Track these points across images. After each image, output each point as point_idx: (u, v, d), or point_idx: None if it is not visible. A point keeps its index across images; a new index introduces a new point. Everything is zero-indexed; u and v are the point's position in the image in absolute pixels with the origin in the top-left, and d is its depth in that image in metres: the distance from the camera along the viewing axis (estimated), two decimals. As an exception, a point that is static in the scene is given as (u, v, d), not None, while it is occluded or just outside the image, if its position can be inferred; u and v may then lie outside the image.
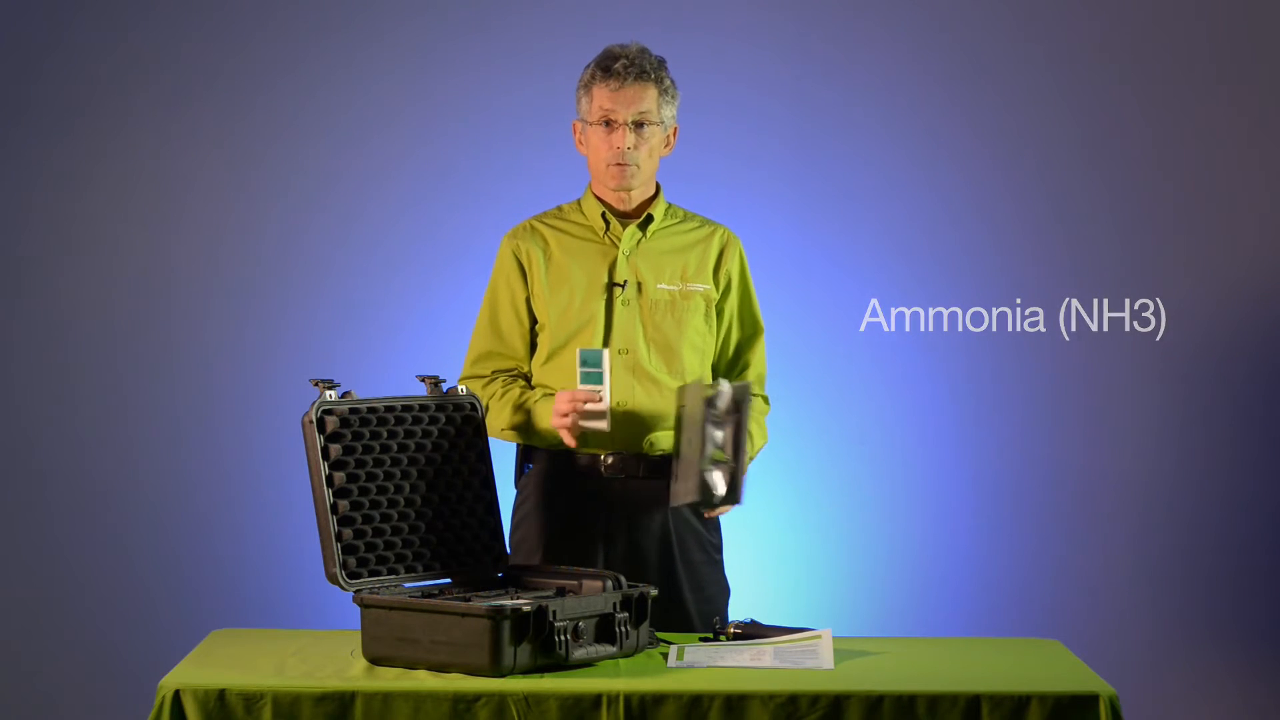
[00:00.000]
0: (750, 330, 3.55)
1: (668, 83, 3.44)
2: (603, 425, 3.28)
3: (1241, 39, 4.59)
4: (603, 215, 3.48)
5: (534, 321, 3.49)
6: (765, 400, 3.56)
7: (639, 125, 3.40)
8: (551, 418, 3.32)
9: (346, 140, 4.62)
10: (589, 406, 3.28)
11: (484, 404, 3.43)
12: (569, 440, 3.30)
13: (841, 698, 2.80)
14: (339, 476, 3.07)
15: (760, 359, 3.56)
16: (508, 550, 3.27)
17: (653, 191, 3.51)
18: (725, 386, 3.20)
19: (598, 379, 3.27)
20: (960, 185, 4.62)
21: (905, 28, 4.61)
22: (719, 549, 3.51)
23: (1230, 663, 4.62)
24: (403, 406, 3.18)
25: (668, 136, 3.47)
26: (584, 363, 3.29)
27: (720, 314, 3.51)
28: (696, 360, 3.47)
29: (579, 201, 3.53)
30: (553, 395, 3.39)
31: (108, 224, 4.62)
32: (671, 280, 3.47)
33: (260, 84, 4.61)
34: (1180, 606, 4.62)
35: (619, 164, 3.41)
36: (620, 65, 3.40)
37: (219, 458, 4.61)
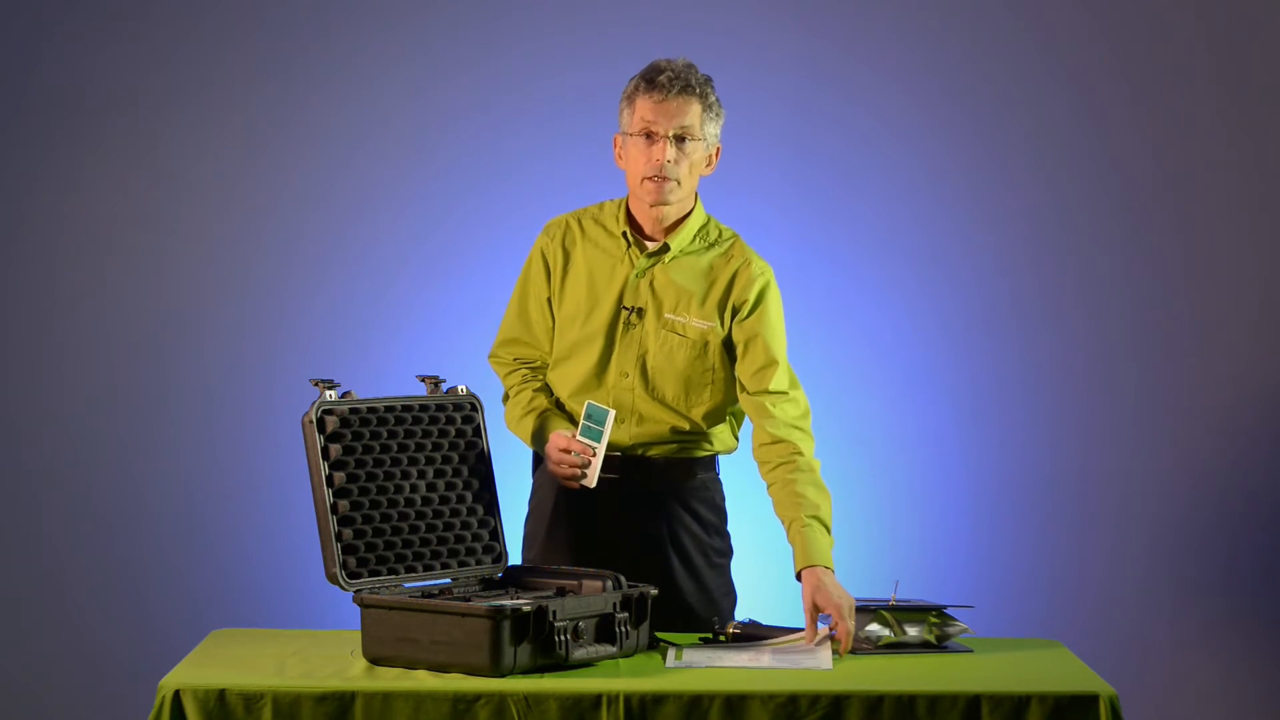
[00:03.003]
0: (765, 361, 3.40)
1: (712, 99, 3.36)
2: (589, 484, 3.29)
3: (1243, 40, 4.59)
4: (625, 235, 3.41)
5: None
6: (809, 444, 3.39)
7: (680, 139, 3.32)
8: (547, 458, 3.35)
9: (346, 140, 4.62)
10: (580, 458, 3.28)
11: (505, 389, 3.48)
12: (564, 483, 3.34)
13: (841, 698, 2.80)
14: (339, 476, 3.07)
15: (782, 386, 3.40)
16: (508, 550, 3.27)
17: (689, 209, 3.42)
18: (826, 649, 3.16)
19: (597, 436, 3.26)
20: (961, 185, 4.62)
21: (905, 30, 4.61)
22: (723, 553, 3.50)
23: (1230, 662, 4.62)
24: (403, 406, 3.18)
25: (710, 155, 3.39)
26: (588, 417, 3.27)
27: (731, 344, 3.42)
28: (696, 392, 3.41)
29: (618, 205, 3.45)
30: (558, 418, 3.40)
31: (106, 224, 4.62)
32: (680, 311, 3.40)
33: (259, 84, 4.61)
34: (1180, 606, 4.62)
35: (657, 178, 3.33)
36: (665, 78, 3.31)
37: (219, 458, 4.61)
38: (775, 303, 3.44)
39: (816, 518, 3.26)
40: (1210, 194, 4.60)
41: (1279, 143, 4.59)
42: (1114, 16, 4.60)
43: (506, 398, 3.50)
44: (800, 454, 3.33)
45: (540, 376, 3.49)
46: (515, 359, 3.50)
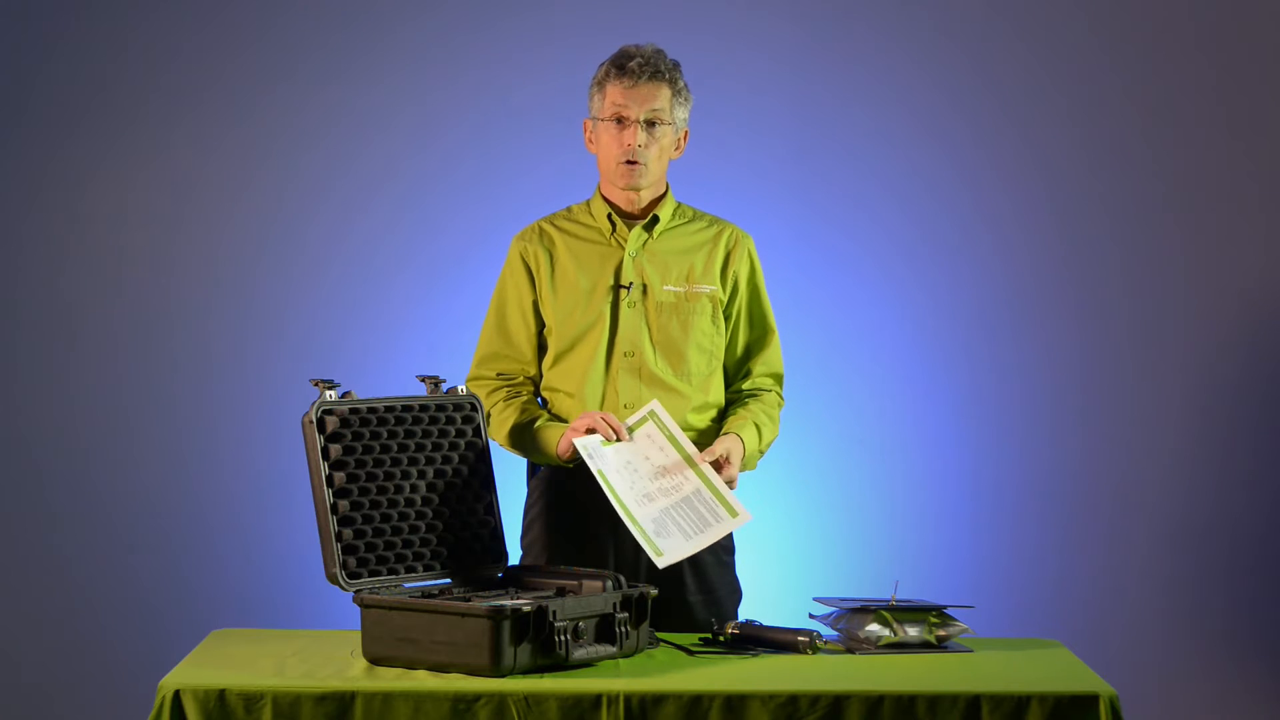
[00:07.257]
0: (760, 331, 3.53)
1: (681, 84, 3.43)
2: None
3: (1243, 41, 4.60)
4: (609, 216, 3.47)
5: (542, 325, 3.49)
6: (779, 398, 3.55)
7: (651, 124, 3.39)
8: (565, 434, 3.34)
9: (347, 140, 4.62)
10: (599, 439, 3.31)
11: (486, 411, 3.44)
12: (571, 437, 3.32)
13: (841, 698, 2.80)
14: (339, 476, 3.07)
15: (772, 358, 3.53)
16: (508, 550, 3.27)
17: (662, 192, 3.49)
18: None
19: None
20: (961, 186, 4.62)
21: (905, 31, 4.61)
22: (729, 550, 3.51)
23: (1231, 662, 4.62)
24: (403, 406, 3.18)
25: (679, 139, 3.46)
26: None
27: (728, 314, 3.50)
28: (703, 362, 3.46)
29: (588, 202, 3.51)
30: (556, 423, 3.40)
31: (109, 225, 4.62)
32: (678, 282, 3.45)
33: (261, 85, 4.61)
34: (1180, 606, 4.62)
35: (629, 161, 3.40)
36: (635, 64, 3.39)
37: (219, 458, 4.61)
38: (759, 274, 3.56)
39: (756, 425, 3.41)
40: (1210, 193, 4.60)
41: (1278, 142, 4.60)
42: (1113, 16, 4.60)
43: (489, 417, 3.47)
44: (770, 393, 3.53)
45: (523, 392, 3.49)
46: (497, 374, 3.50)
